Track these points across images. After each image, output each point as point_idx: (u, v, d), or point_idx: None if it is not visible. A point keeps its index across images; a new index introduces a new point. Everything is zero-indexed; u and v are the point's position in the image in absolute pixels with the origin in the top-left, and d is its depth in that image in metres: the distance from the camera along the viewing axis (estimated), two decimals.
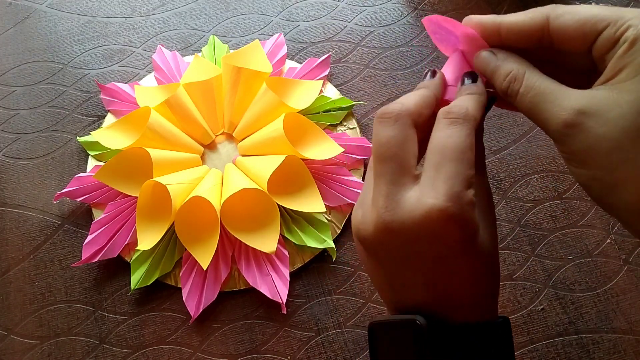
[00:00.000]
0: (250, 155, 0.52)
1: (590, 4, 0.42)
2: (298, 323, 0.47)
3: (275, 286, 0.47)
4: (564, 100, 0.26)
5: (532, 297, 0.47)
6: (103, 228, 0.49)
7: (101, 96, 0.56)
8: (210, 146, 0.54)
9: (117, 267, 0.49)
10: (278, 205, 0.48)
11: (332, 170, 0.51)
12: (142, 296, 0.48)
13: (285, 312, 0.46)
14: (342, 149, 0.50)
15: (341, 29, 0.60)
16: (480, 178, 0.31)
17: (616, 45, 0.26)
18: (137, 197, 0.48)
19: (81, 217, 0.51)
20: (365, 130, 0.54)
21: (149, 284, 0.47)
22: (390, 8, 0.60)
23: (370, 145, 0.47)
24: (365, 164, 0.52)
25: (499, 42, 0.30)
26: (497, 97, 0.32)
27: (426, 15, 0.58)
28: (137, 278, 0.47)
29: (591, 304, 0.46)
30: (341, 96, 0.55)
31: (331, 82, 0.57)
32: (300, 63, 0.57)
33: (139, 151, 0.49)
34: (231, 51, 0.58)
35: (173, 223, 0.48)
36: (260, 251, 0.47)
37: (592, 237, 0.49)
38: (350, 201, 0.50)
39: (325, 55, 0.57)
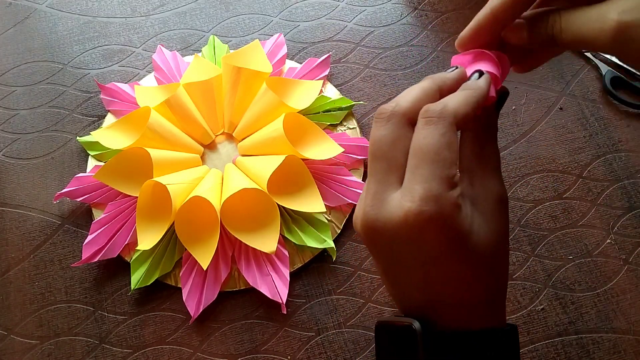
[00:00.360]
0: (250, 155, 0.52)
1: None
2: (298, 323, 0.47)
3: (275, 286, 0.47)
4: (602, 14, 0.26)
5: (532, 297, 0.47)
6: (103, 228, 0.49)
7: (101, 96, 0.56)
8: (210, 146, 0.54)
9: (117, 267, 0.49)
10: (278, 205, 0.48)
11: (332, 170, 0.51)
12: (142, 296, 0.48)
13: (285, 312, 0.46)
14: (342, 149, 0.50)
15: (341, 29, 0.60)
16: (487, 179, 0.30)
17: None
18: (137, 197, 0.48)
19: (81, 217, 0.51)
20: (365, 130, 0.54)
21: (149, 284, 0.47)
22: (390, 8, 0.60)
23: None
24: (365, 164, 0.52)
25: (504, 18, 0.30)
26: (508, 92, 0.31)
27: (426, 15, 0.58)
28: (137, 278, 0.47)
29: (591, 304, 0.46)
30: (341, 96, 0.55)
31: (331, 82, 0.57)
32: (300, 63, 0.57)
33: (139, 151, 0.49)
34: (231, 51, 0.58)
35: (173, 223, 0.48)
36: (260, 251, 0.47)
37: (592, 237, 0.49)
38: (350, 201, 0.50)
39: (325, 55, 0.57)
